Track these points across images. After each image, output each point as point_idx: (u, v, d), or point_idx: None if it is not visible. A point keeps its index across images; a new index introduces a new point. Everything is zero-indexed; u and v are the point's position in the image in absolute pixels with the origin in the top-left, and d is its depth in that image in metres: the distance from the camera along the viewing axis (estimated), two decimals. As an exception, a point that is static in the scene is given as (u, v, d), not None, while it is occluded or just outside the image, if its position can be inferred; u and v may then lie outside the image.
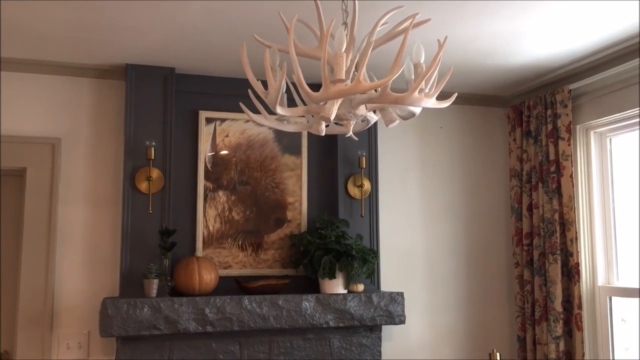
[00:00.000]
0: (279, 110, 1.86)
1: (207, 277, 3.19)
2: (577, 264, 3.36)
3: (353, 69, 1.87)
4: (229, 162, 3.51)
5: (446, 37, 1.84)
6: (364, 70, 1.76)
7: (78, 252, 3.28)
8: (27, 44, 3.02)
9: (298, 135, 3.59)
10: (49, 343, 3.15)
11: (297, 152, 3.62)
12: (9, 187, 3.33)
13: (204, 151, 3.47)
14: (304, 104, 2.02)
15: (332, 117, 1.84)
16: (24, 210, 3.20)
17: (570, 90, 3.44)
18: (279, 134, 3.57)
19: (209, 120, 3.49)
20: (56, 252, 3.22)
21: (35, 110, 3.29)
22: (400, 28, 1.95)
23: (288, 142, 3.60)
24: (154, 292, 3.10)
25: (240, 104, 2.10)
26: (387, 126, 1.99)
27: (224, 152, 3.51)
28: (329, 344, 3.39)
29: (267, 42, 1.96)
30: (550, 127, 3.49)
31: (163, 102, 3.33)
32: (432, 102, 1.84)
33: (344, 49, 1.77)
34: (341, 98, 1.80)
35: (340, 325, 3.32)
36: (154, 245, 3.20)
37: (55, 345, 3.17)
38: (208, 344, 3.20)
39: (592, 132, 3.55)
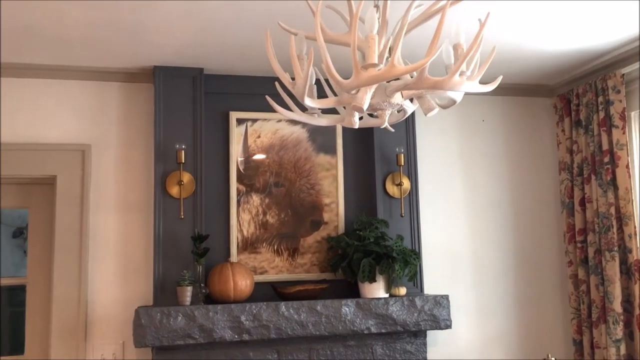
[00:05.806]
0: (308, 101, 1.73)
1: (242, 283, 3.10)
2: (638, 261, 3.16)
3: (386, 54, 1.72)
4: (262, 163, 3.40)
5: (488, 14, 1.67)
6: (398, 53, 1.60)
7: (110, 259, 3.22)
8: (54, 50, 2.98)
9: (332, 133, 3.47)
10: (84, 354, 3.09)
11: (332, 151, 3.49)
12: (40, 195, 3.29)
13: (236, 153, 3.37)
14: (335, 95, 1.88)
15: (366, 106, 1.69)
16: (55, 219, 3.16)
17: (623, 74, 3.22)
18: (313, 133, 3.45)
19: (240, 121, 3.39)
20: (88, 260, 3.16)
21: (64, 116, 3.25)
22: (437, 7, 1.79)
23: (322, 141, 3.48)
24: (187, 299, 3.01)
25: (267, 97, 1.97)
26: (425, 115, 1.83)
27: (257, 153, 3.40)
28: (372, 350, 3.25)
29: (293, 30, 1.83)
30: (602, 115, 3.28)
31: (192, 103, 3.25)
32: (474, 86, 1.68)
33: (375, 31, 1.62)
34: (374, 85, 1.65)
35: (383, 331, 3.18)
36: (186, 251, 3.12)
37: (90, 356, 3.11)
38: (245, 353, 3.10)
39: (648, 119, 3.33)
